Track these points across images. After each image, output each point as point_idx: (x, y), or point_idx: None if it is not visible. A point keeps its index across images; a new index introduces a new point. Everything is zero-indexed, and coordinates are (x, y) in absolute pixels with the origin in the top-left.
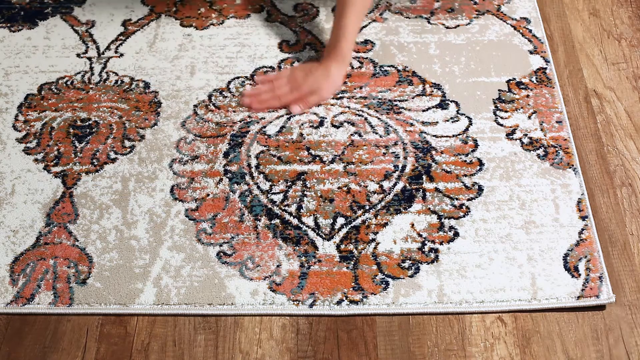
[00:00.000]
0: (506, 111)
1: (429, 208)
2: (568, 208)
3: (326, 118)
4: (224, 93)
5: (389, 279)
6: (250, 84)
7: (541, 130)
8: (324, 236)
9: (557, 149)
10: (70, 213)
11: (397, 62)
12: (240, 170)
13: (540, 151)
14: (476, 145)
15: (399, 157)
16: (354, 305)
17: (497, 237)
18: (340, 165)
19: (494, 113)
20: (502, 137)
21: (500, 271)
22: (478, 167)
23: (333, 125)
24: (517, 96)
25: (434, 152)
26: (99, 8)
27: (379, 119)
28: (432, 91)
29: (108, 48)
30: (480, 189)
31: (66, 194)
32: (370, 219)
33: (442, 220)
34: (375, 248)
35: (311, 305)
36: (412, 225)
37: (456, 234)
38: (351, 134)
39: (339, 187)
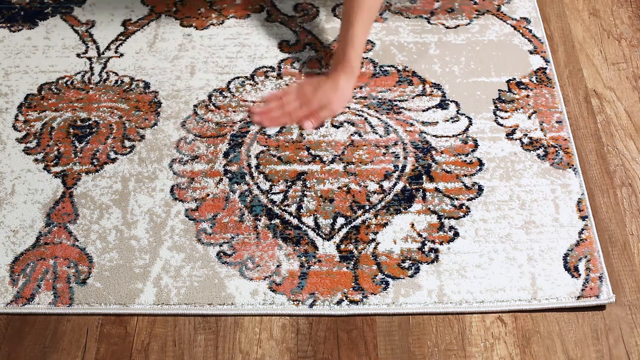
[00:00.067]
0: (506, 111)
1: (429, 208)
2: (568, 208)
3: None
4: (224, 93)
5: (389, 279)
6: (251, 84)
7: (541, 130)
8: (324, 236)
9: (557, 149)
10: (70, 213)
11: (397, 62)
12: (240, 170)
13: (540, 151)
14: (476, 145)
15: (399, 157)
16: (354, 305)
17: (497, 237)
18: (340, 165)
19: (494, 113)
20: (502, 137)
21: (500, 271)
22: (478, 167)
23: (333, 126)
24: (517, 96)
25: (434, 152)
26: (99, 8)
27: (379, 119)
28: (432, 91)
29: (108, 48)
30: (480, 189)
31: (66, 194)
32: (370, 219)
33: (442, 220)
34: (375, 248)
35: (311, 305)
36: (412, 225)
37: (456, 234)
38: (351, 134)
39: (339, 187)
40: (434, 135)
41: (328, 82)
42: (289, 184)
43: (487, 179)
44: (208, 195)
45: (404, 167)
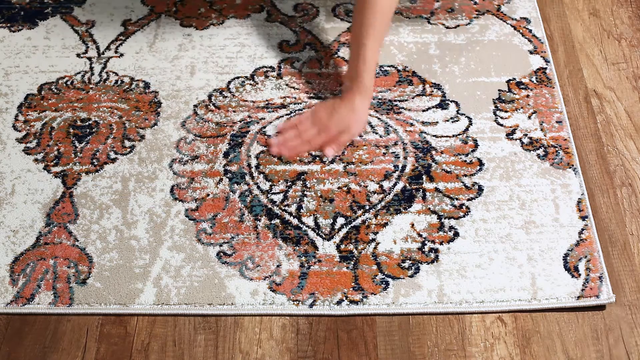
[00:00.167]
0: (506, 111)
1: (429, 208)
2: (568, 208)
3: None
4: (224, 93)
5: (389, 279)
6: (251, 84)
7: (541, 130)
8: (324, 236)
9: (557, 149)
10: (70, 213)
11: (397, 62)
12: (240, 170)
13: (540, 151)
14: (476, 145)
15: (399, 157)
16: (354, 305)
17: (497, 237)
18: (340, 165)
19: (494, 113)
20: (502, 137)
21: (500, 271)
22: (478, 167)
23: None
24: (517, 96)
25: (434, 152)
26: (99, 8)
27: (379, 119)
28: (432, 91)
29: (108, 48)
30: (480, 189)
31: (66, 194)
32: (370, 219)
33: (442, 220)
34: (375, 248)
35: (311, 305)
36: (412, 225)
37: (456, 234)
38: None
39: (339, 187)
40: (434, 135)
41: (343, 105)
42: (289, 184)
43: (487, 179)
44: (208, 195)
45: (404, 167)
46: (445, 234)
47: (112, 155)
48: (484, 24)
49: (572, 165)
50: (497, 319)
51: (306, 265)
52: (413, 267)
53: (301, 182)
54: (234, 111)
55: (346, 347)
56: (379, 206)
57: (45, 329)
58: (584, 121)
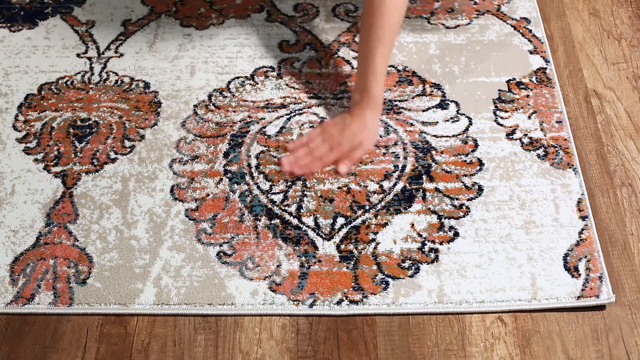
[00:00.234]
0: (506, 111)
1: (429, 208)
2: (568, 208)
3: (326, 118)
4: (224, 93)
5: (389, 279)
6: (251, 84)
7: (541, 130)
8: (324, 236)
9: (557, 149)
10: (70, 213)
11: (397, 62)
12: (240, 170)
13: (540, 151)
14: (476, 145)
15: (399, 157)
16: (354, 305)
17: (497, 237)
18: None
19: (494, 113)
20: (502, 137)
21: (500, 271)
22: (478, 167)
23: None
24: (517, 96)
25: (434, 152)
26: (99, 8)
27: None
28: (432, 91)
29: (108, 48)
30: (480, 189)
31: (66, 194)
32: (370, 219)
33: (442, 220)
34: (375, 248)
35: (311, 305)
36: (412, 225)
37: (456, 234)
38: None
39: (339, 187)
40: (434, 135)
41: (354, 120)
42: (289, 184)
43: (487, 179)
44: (208, 195)
45: (404, 167)
46: (445, 234)
47: (112, 155)
48: (484, 24)
49: (572, 165)
50: (497, 319)
51: (306, 265)
52: (413, 267)
53: (301, 182)
54: (234, 111)
55: (346, 347)
56: (379, 206)
57: (45, 329)
58: (584, 121)
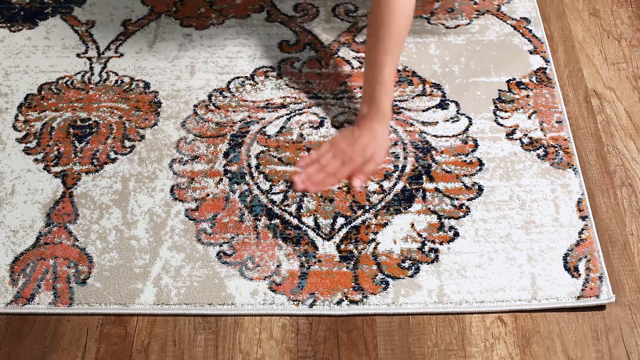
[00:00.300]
0: (506, 111)
1: (429, 208)
2: (568, 208)
3: (326, 118)
4: (224, 93)
5: (389, 279)
6: (251, 84)
7: (541, 130)
8: (324, 236)
9: (557, 149)
10: (70, 213)
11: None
12: (240, 170)
13: (540, 151)
14: (476, 145)
15: (399, 157)
16: (354, 305)
17: (497, 237)
18: None
19: (494, 113)
20: (502, 137)
21: (500, 271)
22: (478, 167)
23: (333, 126)
24: (517, 96)
25: (434, 152)
26: (99, 8)
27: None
28: (432, 91)
29: (108, 48)
30: (480, 189)
31: (66, 194)
32: (370, 219)
33: (442, 220)
34: (375, 248)
35: (311, 305)
36: (412, 225)
37: (456, 234)
38: None
39: (339, 188)
40: (434, 135)
41: (363, 133)
42: (289, 184)
43: (487, 179)
44: (208, 195)
45: (404, 167)
46: (445, 234)
47: (112, 155)
48: (484, 24)
49: (572, 165)
50: (497, 319)
51: (306, 265)
52: (413, 267)
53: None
54: (234, 111)
55: (346, 347)
56: (379, 206)
57: (45, 329)
58: (584, 121)
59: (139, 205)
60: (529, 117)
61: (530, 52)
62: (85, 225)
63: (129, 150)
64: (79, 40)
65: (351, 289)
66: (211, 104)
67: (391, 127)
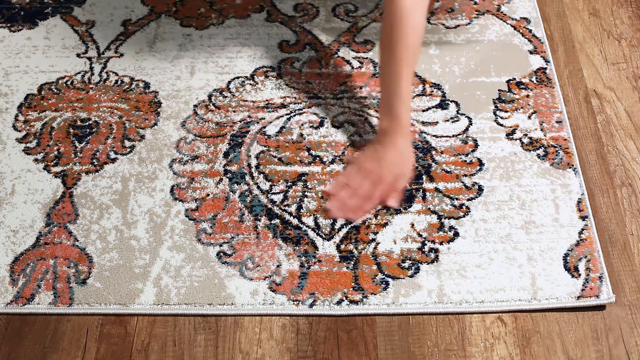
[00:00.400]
0: (506, 111)
1: (429, 208)
2: (568, 208)
3: (326, 118)
4: (224, 93)
5: (389, 279)
6: (251, 84)
7: (541, 130)
8: (324, 236)
9: (557, 149)
10: (70, 213)
11: None
12: (240, 170)
13: (540, 151)
14: (476, 145)
15: None
16: (354, 305)
17: (497, 237)
18: (341, 166)
19: (494, 113)
20: (502, 137)
21: (500, 271)
22: (478, 167)
23: (333, 126)
24: (517, 96)
25: (434, 152)
26: (99, 8)
27: (379, 119)
28: (432, 91)
29: (108, 48)
30: (480, 189)
31: (66, 194)
32: (370, 219)
33: (442, 220)
34: (375, 248)
35: (311, 305)
36: (412, 225)
37: (456, 234)
38: (351, 135)
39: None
40: (434, 135)
41: (388, 149)
42: (289, 184)
43: (487, 179)
44: (208, 195)
45: None
46: (445, 234)
47: (112, 155)
48: (484, 24)
49: (572, 165)
50: (497, 319)
51: (306, 265)
52: (413, 267)
53: (302, 183)
54: (234, 111)
55: (346, 347)
56: (379, 206)
57: (45, 329)
58: (584, 121)
59: (139, 205)
60: (529, 117)
61: (530, 52)
62: (85, 225)
63: (129, 150)
64: (79, 40)
65: (351, 289)
66: (211, 104)
67: None
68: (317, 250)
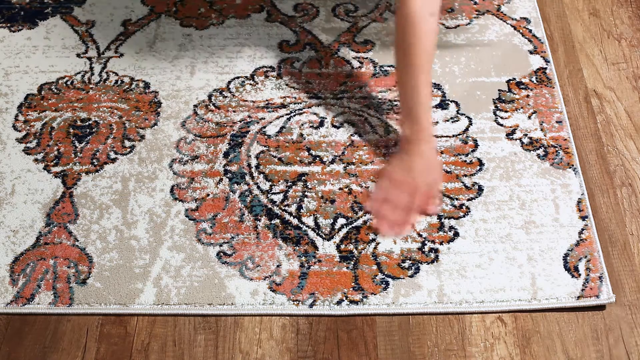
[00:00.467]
0: (506, 111)
1: None
2: (568, 208)
3: (326, 118)
4: (224, 93)
5: (389, 279)
6: (251, 84)
7: (541, 130)
8: (324, 236)
9: (557, 149)
10: (70, 213)
11: None
12: (240, 170)
13: (540, 151)
14: (476, 145)
15: None
16: (354, 305)
17: (497, 237)
18: (341, 165)
19: (494, 113)
20: (502, 137)
21: (500, 271)
22: (478, 167)
23: (333, 126)
24: (517, 96)
25: None
26: (99, 8)
27: (379, 119)
28: (432, 91)
29: (108, 48)
30: (480, 189)
31: (66, 194)
32: (371, 219)
33: (442, 220)
34: (375, 248)
35: (311, 305)
36: (412, 225)
37: (456, 234)
38: (351, 134)
39: (340, 188)
40: (434, 135)
41: (415, 158)
42: (289, 184)
43: (487, 179)
44: (208, 195)
45: None
46: (445, 234)
47: (112, 155)
48: (484, 24)
49: (572, 165)
50: (497, 319)
51: (306, 265)
52: (413, 267)
53: (302, 183)
54: (234, 111)
55: (346, 347)
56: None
57: (45, 329)
58: (584, 121)
59: (139, 205)
60: (529, 117)
61: (530, 52)
62: (85, 225)
63: (129, 150)
64: (79, 40)
65: (351, 289)
66: (211, 104)
67: (391, 127)
68: (317, 250)
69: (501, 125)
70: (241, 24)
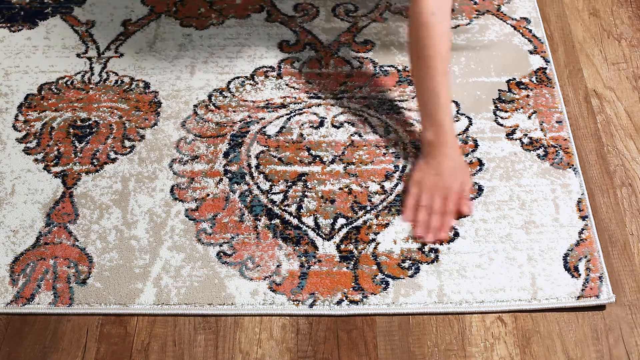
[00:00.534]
0: (506, 111)
1: None
2: (568, 208)
3: (326, 118)
4: (224, 93)
5: (389, 279)
6: (251, 84)
7: (541, 130)
8: (324, 236)
9: (557, 149)
10: (70, 213)
11: (397, 62)
12: (240, 170)
13: (540, 151)
14: (476, 145)
15: (399, 157)
16: (354, 305)
17: (497, 237)
18: (341, 165)
19: (494, 113)
20: (502, 137)
21: (500, 271)
22: (478, 167)
23: (333, 126)
24: (517, 96)
25: None
26: (99, 8)
27: (379, 119)
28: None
29: (108, 48)
30: (480, 189)
31: (66, 194)
32: (371, 219)
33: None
34: (375, 248)
35: (311, 305)
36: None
37: (456, 234)
38: (351, 134)
39: (340, 188)
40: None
41: (441, 161)
42: (289, 184)
43: (487, 179)
44: (208, 195)
45: (404, 167)
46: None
47: (112, 155)
48: (484, 24)
49: (572, 165)
50: (497, 319)
51: (306, 265)
52: (413, 267)
53: (302, 183)
54: (234, 111)
55: (346, 347)
56: (380, 207)
57: (45, 329)
58: (584, 121)
59: (139, 205)
60: (529, 117)
61: (530, 52)
62: (85, 225)
63: (129, 150)
64: (79, 40)
65: (351, 289)
66: (211, 104)
67: (391, 127)
68: (317, 250)
69: (501, 125)
70: (241, 24)
